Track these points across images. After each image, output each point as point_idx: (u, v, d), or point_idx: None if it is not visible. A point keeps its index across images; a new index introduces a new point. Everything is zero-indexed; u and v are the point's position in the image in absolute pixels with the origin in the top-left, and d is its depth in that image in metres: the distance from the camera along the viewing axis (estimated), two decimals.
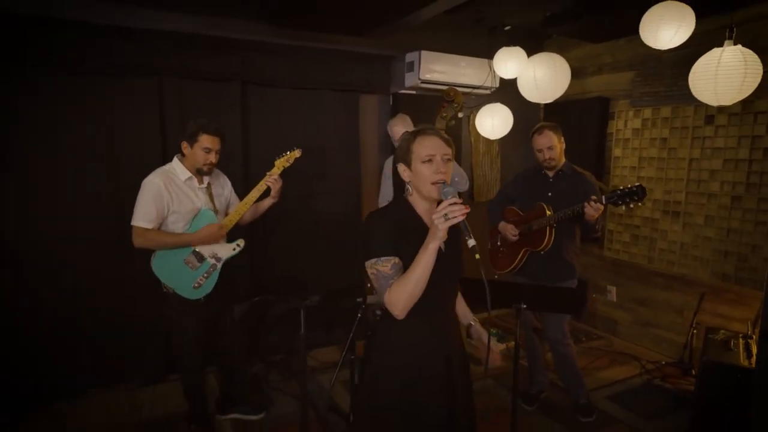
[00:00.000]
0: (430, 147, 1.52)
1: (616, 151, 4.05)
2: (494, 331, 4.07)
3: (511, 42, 3.40)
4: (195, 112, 3.21)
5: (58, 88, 2.93)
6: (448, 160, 1.54)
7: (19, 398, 2.90)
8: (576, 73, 4.33)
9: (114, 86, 3.07)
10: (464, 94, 4.24)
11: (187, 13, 3.16)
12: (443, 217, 1.39)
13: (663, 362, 3.62)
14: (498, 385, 3.29)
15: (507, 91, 3.67)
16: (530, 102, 3.26)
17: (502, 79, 3.88)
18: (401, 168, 1.59)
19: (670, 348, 3.70)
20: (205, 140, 2.52)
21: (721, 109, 3.32)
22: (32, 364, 2.96)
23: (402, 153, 1.58)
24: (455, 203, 1.40)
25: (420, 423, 1.59)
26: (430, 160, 1.51)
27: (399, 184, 3.18)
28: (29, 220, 2.93)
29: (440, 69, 3.92)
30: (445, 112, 3.12)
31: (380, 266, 1.50)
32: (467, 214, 1.41)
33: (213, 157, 2.57)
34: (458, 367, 1.66)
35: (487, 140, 4.55)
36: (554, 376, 3.18)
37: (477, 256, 1.39)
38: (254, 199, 2.69)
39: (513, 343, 3.66)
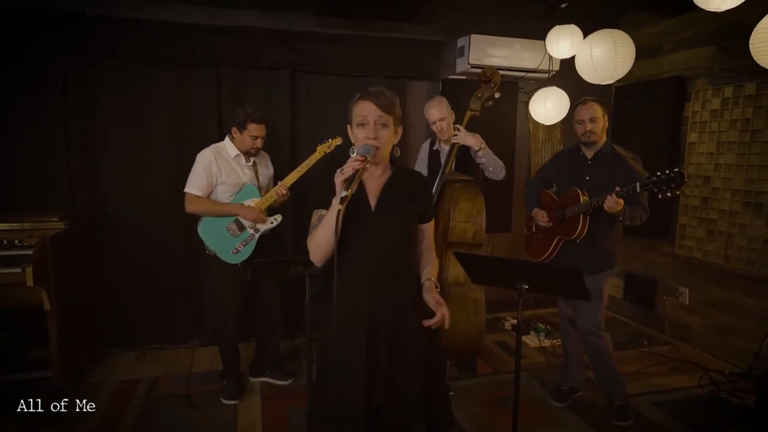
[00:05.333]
0: (363, 110, 1.54)
1: (692, 136, 3.61)
2: (542, 328, 3.85)
3: (572, 21, 3.17)
4: (248, 97, 3.51)
5: (139, 77, 3.39)
6: (384, 125, 1.53)
7: (94, 344, 3.43)
8: (651, 52, 3.96)
9: (188, 75, 3.48)
10: (520, 78, 4.09)
11: (242, 9, 3.48)
12: (340, 171, 1.41)
13: (727, 372, 3.15)
14: (529, 377, 3.13)
15: (570, 75, 3.42)
16: (600, 86, 2.97)
17: (564, 62, 3.64)
18: (349, 130, 1.63)
19: (749, 360, 3.21)
20: (253, 129, 2.80)
21: None
22: (109, 321, 3.49)
23: (348, 116, 1.62)
24: (355, 160, 1.40)
25: (345, 379, 1.58)
26: (363, 124, 1.54)
27: (433, 167, 3.18)
28: (115, 198, 3.47)
29: (492, 53, 3.80)
30: (481, 92, 3.04)
31: (312, 217, 1.59)
32: (360, 169, 1.40)
33: (259, 143, 2.86)
34: (393, 326, 1.60)
35: (548, 127, 4.32)
36: (593, 375, 2.94)
37: (339, 207, 1.37)
38: (273, 198, 2.87)
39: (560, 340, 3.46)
